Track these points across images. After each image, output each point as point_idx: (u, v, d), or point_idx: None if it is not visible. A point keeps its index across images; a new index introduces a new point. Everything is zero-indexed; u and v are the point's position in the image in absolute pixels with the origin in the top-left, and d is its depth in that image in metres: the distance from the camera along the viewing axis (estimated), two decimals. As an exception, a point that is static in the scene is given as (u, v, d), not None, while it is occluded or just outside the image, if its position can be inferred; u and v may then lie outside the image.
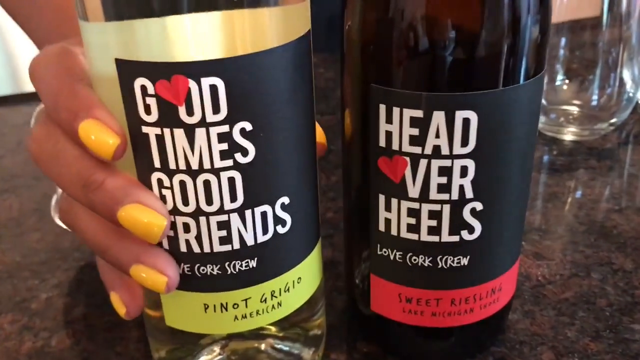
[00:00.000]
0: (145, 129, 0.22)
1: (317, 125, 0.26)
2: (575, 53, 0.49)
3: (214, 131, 0.22)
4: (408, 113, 0.23)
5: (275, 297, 0.26)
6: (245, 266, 0.24)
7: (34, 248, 0.39)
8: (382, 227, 0.26)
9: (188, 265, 0.24)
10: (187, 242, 0.24)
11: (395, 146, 0.24)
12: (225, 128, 0.22)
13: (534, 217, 0.40)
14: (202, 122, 0.22)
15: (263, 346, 0.29)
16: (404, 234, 0.25)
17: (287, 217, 0.24)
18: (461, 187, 0.24)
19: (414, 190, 0.24)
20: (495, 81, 0.23)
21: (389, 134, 0.24)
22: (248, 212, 0.23)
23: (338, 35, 0.26)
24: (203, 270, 0.24)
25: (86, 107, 0.22)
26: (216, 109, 0.21)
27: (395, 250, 0.26)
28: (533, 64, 0.24)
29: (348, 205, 0.29)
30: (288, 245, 0.25)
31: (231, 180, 0.23)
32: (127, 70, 0.21)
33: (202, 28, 0.21)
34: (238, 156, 0.22)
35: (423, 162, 0.24)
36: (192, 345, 0.29)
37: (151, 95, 0.21)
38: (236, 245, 0.24)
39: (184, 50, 0.21)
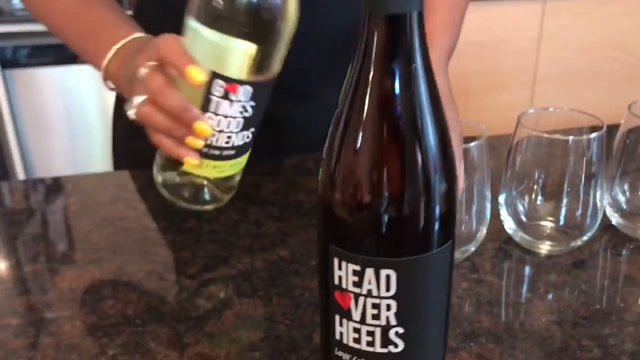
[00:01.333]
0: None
1: None
2: (547, 172, 0.57)
3: None
4: (351, 267, 0.35)
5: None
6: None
7: (106, 312, 0.52)
8: (337, 337, 0.37)
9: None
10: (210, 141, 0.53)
11: (344, 286, 0.35)
12: None
13: (489, 322, 0.50)
14: None
15: (205, 181, 0.58)
16: (351, 344, 0.37)
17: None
18: (387, 317, 0.35)
19: (356, 315, 0.36)
20: (410, 250, 0.34)
21: (340, 277, 0.35)
22: None
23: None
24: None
25: (191, 61, 0.49)
26: None
27: (346, 353, 0.37)
28: (441, 236, 0.35)
29: (321, 316, 0.40)
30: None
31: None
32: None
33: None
34: None
35: (361, 299, 0.35)
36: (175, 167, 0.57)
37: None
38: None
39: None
